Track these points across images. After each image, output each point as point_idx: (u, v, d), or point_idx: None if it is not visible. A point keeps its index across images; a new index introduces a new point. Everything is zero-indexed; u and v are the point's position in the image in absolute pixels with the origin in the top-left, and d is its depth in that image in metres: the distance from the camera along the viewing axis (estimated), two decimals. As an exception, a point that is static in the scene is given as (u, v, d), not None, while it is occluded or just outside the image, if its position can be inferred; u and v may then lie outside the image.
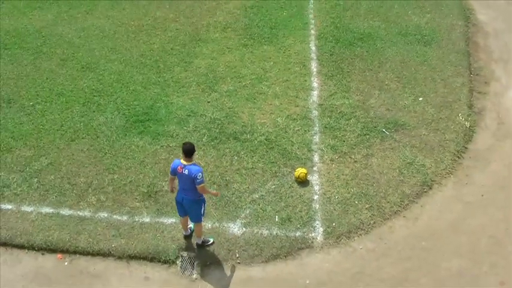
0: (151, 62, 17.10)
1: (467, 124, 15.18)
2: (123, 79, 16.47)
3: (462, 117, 15.34)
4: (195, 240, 12.47)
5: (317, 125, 15.02)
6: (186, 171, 11.12)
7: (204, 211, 11.84)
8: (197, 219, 11.89)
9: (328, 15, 18.95)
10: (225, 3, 19.58)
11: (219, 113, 15.32)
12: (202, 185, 11.16)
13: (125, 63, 17.07)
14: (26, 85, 16.27)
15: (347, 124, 15.04)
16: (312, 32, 18.24)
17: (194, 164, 11.23)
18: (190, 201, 11.54)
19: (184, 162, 11.16)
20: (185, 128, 14.89)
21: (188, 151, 11.14)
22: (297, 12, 19.17)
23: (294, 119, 15.16)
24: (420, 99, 15.85)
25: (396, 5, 19.47)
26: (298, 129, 14.88)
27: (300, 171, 13.57)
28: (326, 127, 14.93)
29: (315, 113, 15.35)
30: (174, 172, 11.37)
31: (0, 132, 14.80)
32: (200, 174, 11.06)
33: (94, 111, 15.43)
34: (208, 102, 15.70)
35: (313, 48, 17.57)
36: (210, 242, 12.40)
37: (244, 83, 16.28)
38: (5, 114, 15.31)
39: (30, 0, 19.91)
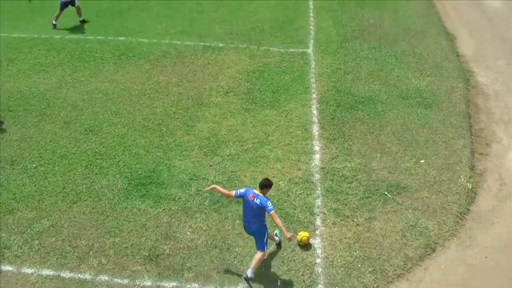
0: (154, 125, 17.23)
1: (469, 186, 15.19)
2: (126, 142, 16.57)
3: (464, 179, 15.36)
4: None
5: (319, 188, 15.03)
6: (257, 201, 12.03)
7: (267, 239, 12.47)
8: (261, 246, 12.40)
9: (329, 79, 19.20)
10: (228, 68, 19.86)
11: (221, 176, 15.34)
12: (273, 211, 11.93)
13: (128, 126, 17.20)
14: (29, 147, 16.36)
15: (349, 187, 15.04)
16: (314, 95, 18.45)
17: (264, 196, 12.11)
18: (254, 230, 12.42)
19: (257, 192, 12.11)
20: (187, 191, 14.88)
21: (264, 185, 12.20)
22: (298, 76, 19.42)
23: (296, 182, 15.18)
24: (422, 161, 15.91)
25: (396, 69, 19.76)
26: (301, 193, 14.87)
27: (302, 234, 13.50)
28: (328, 190, 14.93)
29: (317, 176, 15.38)
30: (242, 196, 12.31)
31: (3, 194, 14.80)
32: (269, 202, 11.99)
33: (96, 174, 15.46)
34: (211, 166, 15.74)
35: (315, 112, 17.73)
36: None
37: (246, 147, 16.36)
38: (7, 176, 15.34)
39: (35, 63, 20.28)
